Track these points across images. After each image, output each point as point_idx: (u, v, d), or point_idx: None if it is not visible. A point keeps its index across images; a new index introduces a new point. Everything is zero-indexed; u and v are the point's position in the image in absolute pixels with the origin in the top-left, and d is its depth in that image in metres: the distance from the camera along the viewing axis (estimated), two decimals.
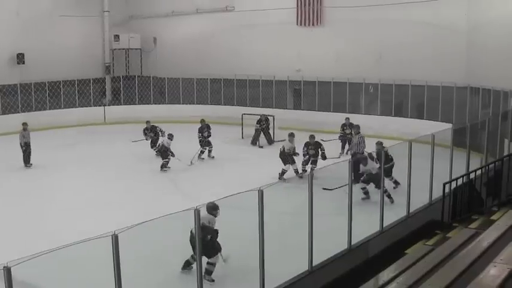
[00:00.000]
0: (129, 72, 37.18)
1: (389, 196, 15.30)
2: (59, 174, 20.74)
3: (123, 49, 36.90)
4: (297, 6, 30.68)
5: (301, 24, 30.70)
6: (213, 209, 10.70)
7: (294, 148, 19.67)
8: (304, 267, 10.29)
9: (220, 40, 33.46)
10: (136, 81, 35.47)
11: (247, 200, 9.18)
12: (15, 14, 32.18)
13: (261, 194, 9.06)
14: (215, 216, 10.75)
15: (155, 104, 33.95)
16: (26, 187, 19.19)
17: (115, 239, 7.42)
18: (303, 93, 30.81)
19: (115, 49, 36.65)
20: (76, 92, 33.65)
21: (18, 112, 31.25)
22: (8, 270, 6.35)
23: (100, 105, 34.01)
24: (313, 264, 10.36)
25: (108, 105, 34.62)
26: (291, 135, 19.97)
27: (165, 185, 19.19)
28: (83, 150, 25.51)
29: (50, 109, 32.51)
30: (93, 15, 35.70)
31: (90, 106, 33.77)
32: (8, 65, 32.14)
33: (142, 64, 37.11)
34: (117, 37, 36.32)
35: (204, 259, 10.00)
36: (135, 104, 34.29)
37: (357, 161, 16.01)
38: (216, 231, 10.74)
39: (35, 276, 9.59)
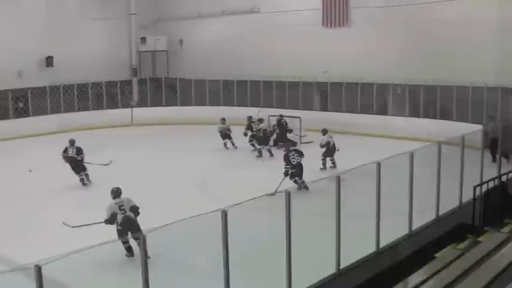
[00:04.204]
0: (155, 74, 37.35)
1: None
2: (91, 175, 20.79)
3: (150, 51, 37.09)
4: (323, 7, 30.51)
5: (327, 26, 30.53)
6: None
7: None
8: (331, 269, 10.20)
9: (246, 42, 33.41)
10: (163, 83, 35.57)
11: (274, 202, 9.12)
12: (43, 18, 32.58)
13: (287, 196, 9.00)
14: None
15: (182, 106, 33.96)
16: (59, 188, 19.33)
17: (143, 239, 7.47)
18: (329, 95, 30.64)
19: (142, 51, 36.90)
20: (104, 94, 33.90)
21: (47, 114, 31.67)
22: (38, 269, 6.41)
23: (127, 107, 34.17)
24: (341, 267, 10.26)
25: (136, 107, 34.75)
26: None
27: (193, 186, 19.11)
28: (112, 151, 25.62)
29: (78, 111, 32.78)
30: (120, 18, 35.93)
31: (118, 108, 33.99)
32: (38, 68, 32.62)
33: (169, 66, 37.21)
34: (143, 39, 36.53)
35: None
36: (162, 106, 34.37)
37: None
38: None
39: (66, 275, 9.62)
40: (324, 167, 21.45)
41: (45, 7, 33.05)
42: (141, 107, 34.80)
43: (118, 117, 32.84)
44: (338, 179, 10.13)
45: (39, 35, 32.14)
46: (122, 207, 12.54)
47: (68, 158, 19.64)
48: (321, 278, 10.01)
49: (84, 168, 19.89)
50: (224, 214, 8.23)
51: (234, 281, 8.76)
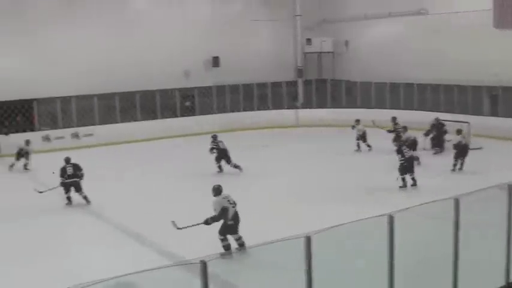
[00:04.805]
0: (321, 75, 37.54)
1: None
2: (253, 174, 21.33)
3: (315, 52, 37.31)
4: (494, 7, 29.15)
5: (498, 26, 29.18)
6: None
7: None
8: (500, 282, 9.83)
9: (413, 44, 32.71)
10: (329, 85, 35.67)
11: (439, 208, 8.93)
12: (210, 19, 34.01)
13: (456, 203, 8.77)
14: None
15: (347, 107, 33.81)
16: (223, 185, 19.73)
17: (307, 240, 7.43)
18: (500, 99, 29.37)
19: (307, 52, 37.18)
20: (269, 94, 34.54)
21: (213, 113, 32.80)
22: (204, 265, 6.51)
23: (292, 108, 34.59)
24: (510, 280, 9.87)
25: (301, 108, 35.09)
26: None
27: (359, 190, 18.99)
28: (277, 151, 26.08)
29: (243, 111, 33.69)
30: (286, 19, 36.45)
31: (283, 108, 34.51)
32: (204, 68, 34.01)
33: (334, 67, 37.26)
34: (309, 41, 36.82)
35: None
36: (327, 108, 34.45)
37: None
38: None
39: (228, 272, 9.86)
40: (454, 169, 20.99)
41: (212, 8, 34.47)
42: (306, 108, 35.05)
43: (283, 117, 33.41)
44: (510, 188, 9.74)
45: (206, 36, 33.53)
46: (231, 202, 12.76)
47: (220, 150, 21.79)
48: None
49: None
50: (390, 219, 8.15)
51: (398, 286, 8.66)
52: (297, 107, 34.87)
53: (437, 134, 25.01)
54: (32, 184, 20.41)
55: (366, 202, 17.10)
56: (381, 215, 8.14)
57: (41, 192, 17.67)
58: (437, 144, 24.76)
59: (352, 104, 33.99)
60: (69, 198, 17.65)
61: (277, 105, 34.64)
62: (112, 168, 23.26)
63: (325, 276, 9.45)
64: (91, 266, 12.15)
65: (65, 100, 29.28)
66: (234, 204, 12.79)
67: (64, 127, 29.11)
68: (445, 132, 25.02)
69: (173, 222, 12.55)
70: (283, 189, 18.83)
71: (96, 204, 17.56)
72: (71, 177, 17.51)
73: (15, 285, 11.73)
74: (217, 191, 12.94)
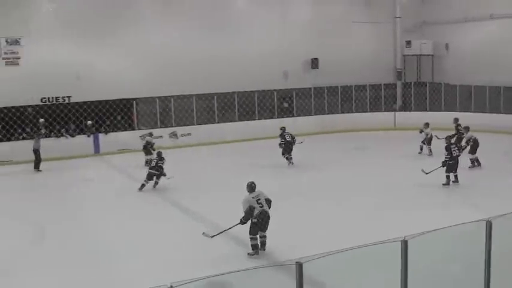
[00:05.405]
0: (420, 78, 37.09)
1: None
2: (347, 176, 21.39)
3: (415, 55, 36.89)
4: None
5: None
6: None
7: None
8: None
9: None
10: (428, 88, 35.17)
11: None
12: (309, 20, 34.18)
13: None
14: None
15: (446, 111, 33.23)
16: (312, 186, 20.01)
17: (404, 244, 7.52)
18: None
19: (406, 55, 36.82)
20: (368, 96, 34.45)
21: (311, 115, 33.09)
22: (299, 266, 6.64)
23: (391, 111, 34.41)
24: None
25: (399, 110, 34.86)
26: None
27: (454, 193, 18.81)
28: (372, 154, 25.99)
29: (341, 113, 33.80)
30: (385, 22, 36.28)
31: (381, 111, 34.42)
32: (303, 69, 34.21)
33: (433, 70, 36.75)
34: (408, 43, 36.45)
35: None
36: (426, 111, 33.94)
37: None
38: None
39: (322, 273, 10.01)
40: None
41: (311, 10, 34.55)
42: (404, 111, 34.81)
43: (381, 120, 33.24)
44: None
45: (305, 37, 33.79)
46: (259, 201, 12.89)
47: (286, 142, 23.17)
48: None
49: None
50: (489, 225, 8.11)
51: None
52: (395, 110, 34.60)
53: None
54: (125, 180, 21.49)
55: (458, 206, 17.10)
56: (479, 220, 8.12)
57: None
58: None
59: (451, 108, 33.39)
60: (143, 186, 19.71)
61: (376, 108, 34.58)
62: (209, 168, 23.77)
63: (420, 281, 9.53)
64: (185, 264, 12.35)
65: (165, 100, 30.12)
66: (262, 204, 12.92)
67: (162, 126, 29.89)
68: None
69: (204, 233, 13.25)
70: (375, 193, 18.71)
71: (193, 205, 17.86)
72: (153, 169, 19.84)
73: (108, 281, 11.97)
74: (250, 187, 13.18)
